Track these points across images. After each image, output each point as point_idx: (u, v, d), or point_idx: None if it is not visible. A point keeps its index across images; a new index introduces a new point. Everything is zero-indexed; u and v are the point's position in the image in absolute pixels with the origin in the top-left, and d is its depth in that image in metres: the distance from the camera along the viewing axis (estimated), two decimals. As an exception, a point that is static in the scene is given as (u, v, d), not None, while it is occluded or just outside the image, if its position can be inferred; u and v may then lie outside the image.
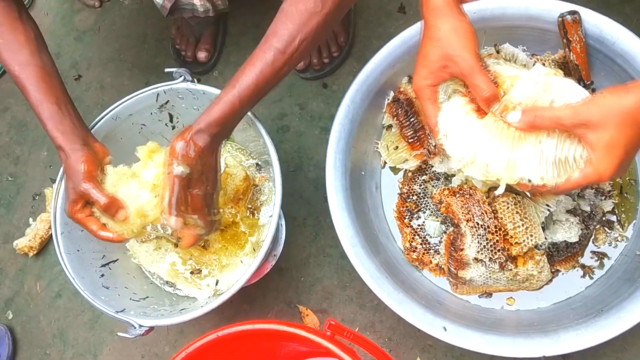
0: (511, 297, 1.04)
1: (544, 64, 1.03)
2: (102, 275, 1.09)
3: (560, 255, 1.02)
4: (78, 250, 1.06)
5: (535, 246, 0.96)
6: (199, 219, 0.90)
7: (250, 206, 1.14)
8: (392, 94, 1.14)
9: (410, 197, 1.11)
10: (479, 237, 0.95)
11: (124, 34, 1.58)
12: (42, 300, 1.38)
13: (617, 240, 1.04)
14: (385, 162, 1.16)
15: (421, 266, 1.09)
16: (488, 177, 0.83)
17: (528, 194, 0.95)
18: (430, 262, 1.07)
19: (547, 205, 0.96)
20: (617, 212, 1.05)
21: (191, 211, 0.89)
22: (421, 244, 1.08)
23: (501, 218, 0.94)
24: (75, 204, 0.92)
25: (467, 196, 0.98)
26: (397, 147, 1.12)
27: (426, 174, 1.11)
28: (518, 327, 0.98)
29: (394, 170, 1.16)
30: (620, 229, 1.04)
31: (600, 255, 1.04)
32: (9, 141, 1.57)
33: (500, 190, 0.83)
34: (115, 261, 1.12)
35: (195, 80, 1.08)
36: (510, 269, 0.96)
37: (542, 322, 0.98)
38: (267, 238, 0.98)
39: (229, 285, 1.05)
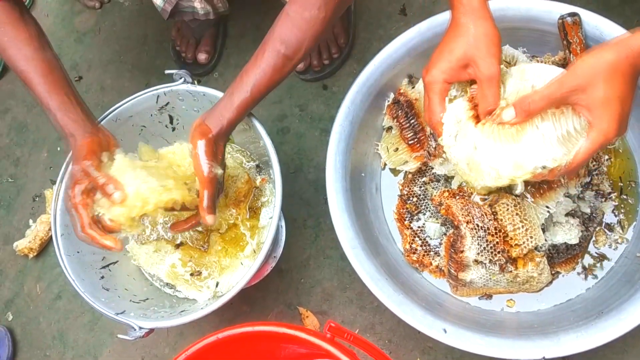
0: (511, 299, 1.04)
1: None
2: (102, 277, 1.08)
3: (561, 257, 1.02)
4: (78, 252, 1.06)
5: (536, 248, 0.96)
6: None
7: (250, 207, 1.14)
8: (392, 95, 1.14)
9: (411, 198, 1.11)
10: (479, 239, 0.95)
11: (124, 35, 1.58)
12: (42, 302, 1.38)
13: (618, 242, 1.04)
14: (385, 164, 1.16)
15: (421, 268, 1.08)
16: (502, 181, 0.83)
17: (529, 196, 0.95)
18: (431, 263, 1.07)
19: (547, 207, 0.96)
20: (617, 214, 1.05)
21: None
22: (421, 246, 1.08)
23: (501, 220, 0.94)
24: (73, 187, 0.90)
25: (467, 198, 0.98)
26: (397, 148, 1.13)
27: (426, 176, 1.11)
28: (518, 329, 0.98)
29: (394, 172, 1.16)
30: (621, 231, 1.04)
31: (601, 257, 1.04)
32: (9, 143, 1.57)
33: (519, 189, 0.83)
34: (115, 263, 1.12)
35: (196, 82, 1.08)
36: (511, 271, 0.96)
37: (542, 324, 0.98)
38: (267, 240, 0.98)
39: (229, 287, 1.05)
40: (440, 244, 1.07)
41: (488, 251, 0.95)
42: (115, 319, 0.99)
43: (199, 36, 1.45)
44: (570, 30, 1.00)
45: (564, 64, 1.04)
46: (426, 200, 1.10)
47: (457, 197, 0.99)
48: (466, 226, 0.96)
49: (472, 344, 0.92)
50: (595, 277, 1.03)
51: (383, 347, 1.17)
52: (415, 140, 1.10)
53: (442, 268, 1.06)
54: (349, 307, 1.22)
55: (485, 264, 0.96)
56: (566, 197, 0.98)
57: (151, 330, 0.99)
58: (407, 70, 1.12)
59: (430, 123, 0.90)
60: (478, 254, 0.95)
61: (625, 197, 1.06)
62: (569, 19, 1.00)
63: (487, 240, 0.95)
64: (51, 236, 1.33)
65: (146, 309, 1.05)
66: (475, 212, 0.96)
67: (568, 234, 0.99)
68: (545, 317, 1.00)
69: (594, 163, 1.02)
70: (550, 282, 1.03)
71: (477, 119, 0.85)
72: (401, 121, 1.11)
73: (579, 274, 1.03)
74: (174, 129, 1.18)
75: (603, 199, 1.04)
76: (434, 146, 1.06)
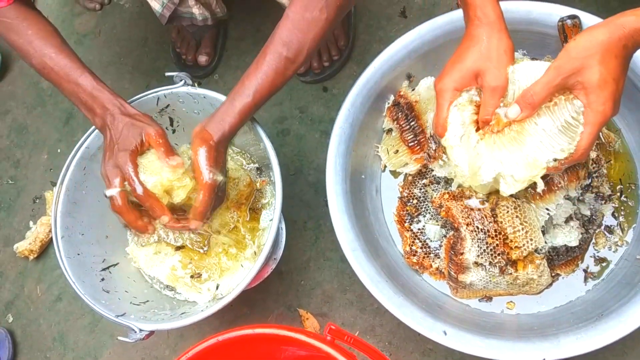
0: (511, 301, 1.04)
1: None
2: (103, 279, 1.08)
3: (561, 259, 1.02)
4: (78, 254, 1.06)
5: (535, 250, 0.96)
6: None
7: (250, 209, 1.14)
8: (392, 97, 1.14)
9: (411, 200, 1.11)
10: (479, 241, 0.95)
11: (125, 37, 1.58)
12: (43, 304, 1.39)
13: (617, 245, 1.04)
14: (385, 166, 1.16)
15: (421, 270, 1.08)
16: (520, 184, 0.83)
17: (529, 199, 0.95)
18: (431, 265, 1.07)
19: (547, 209, 0.96)
20: (617, 216, 1.05)
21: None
22: (421, 248, 1.08)
23: (501, 222, 0.94)
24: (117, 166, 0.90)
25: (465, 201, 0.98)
26: (397, 150, 1.13)
27: (426, 178, 1.11)
28: (518, 331, 0.98)
29: (394, 174, 1.16)
30: (621, 233, 1.04)
31: (601, 260, 1.04)
32: (9, 144, 1.57)
33: (540, 187, 0.84)
34: (115, 265, 1.12)
35: (196, 84, 1.08)
36: (511, 273, 0.96)
37: (542, 326, 0.97)
38: (268, 242, 0.98)
39: (229, 289, 1.05)
40: (441, 246, 1.07)
41: (488, 253, 0.95)
42: (116, 322, 0.99)
43: (199, 38, 1.45)
44: (570, 33, 1.00)
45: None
46: (426, 203, 1.10)
47: (457, 199, 0.99)
48: (466, 228, 0.96)
49: (472, 346, 0.92)
50: (595, 279, 1.03)
51: (383, 349, 1.17)
52: (416, 142, 1.10)
53: (442, 270, 1.06)
54: (349, 309, 1.22)
55: (485, 266, 0.96)
56: (566, 200, 0.98)
57: (151, 333, 0.99)
58: (407, 72, 1.12)
59: (436, 127, 0.90)
60: (478, 256, 0.95)
61: (625, 199, 1.06)
62: (568, 22, 1.00)
63: (487, 243, 0.95)
64: (51, 238, 1.34)
65: (146, 311, 1.05)
66: (475, 214, 0.96)
67: (568, 236, 0.99)
68: (545, 320, 1.00)
69: (594, 165, 1.02)
70: (550, 285, 1.03)
71: (478, 126, 0.87)
72: (401, 123, 1.11)
73: (579, 276, 1.03)
74: (174, 131, 1.18)
75: (603, 201, 1.04)
76: (434, 148, 1.06)
